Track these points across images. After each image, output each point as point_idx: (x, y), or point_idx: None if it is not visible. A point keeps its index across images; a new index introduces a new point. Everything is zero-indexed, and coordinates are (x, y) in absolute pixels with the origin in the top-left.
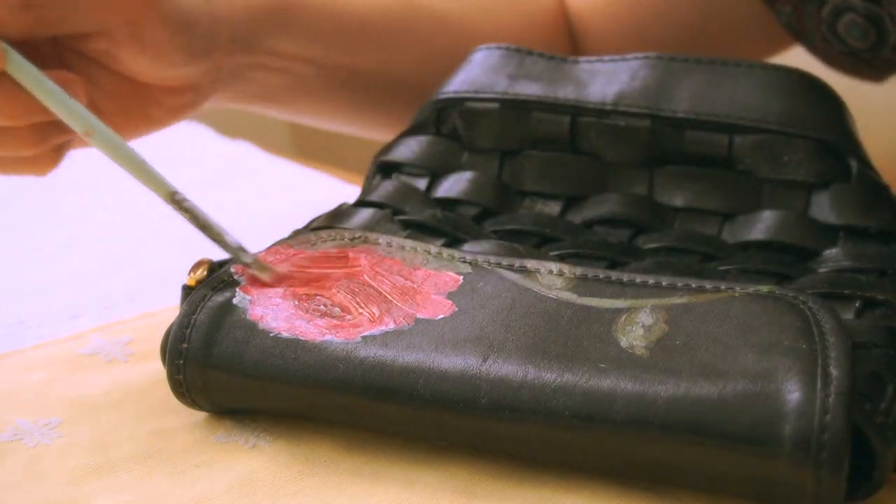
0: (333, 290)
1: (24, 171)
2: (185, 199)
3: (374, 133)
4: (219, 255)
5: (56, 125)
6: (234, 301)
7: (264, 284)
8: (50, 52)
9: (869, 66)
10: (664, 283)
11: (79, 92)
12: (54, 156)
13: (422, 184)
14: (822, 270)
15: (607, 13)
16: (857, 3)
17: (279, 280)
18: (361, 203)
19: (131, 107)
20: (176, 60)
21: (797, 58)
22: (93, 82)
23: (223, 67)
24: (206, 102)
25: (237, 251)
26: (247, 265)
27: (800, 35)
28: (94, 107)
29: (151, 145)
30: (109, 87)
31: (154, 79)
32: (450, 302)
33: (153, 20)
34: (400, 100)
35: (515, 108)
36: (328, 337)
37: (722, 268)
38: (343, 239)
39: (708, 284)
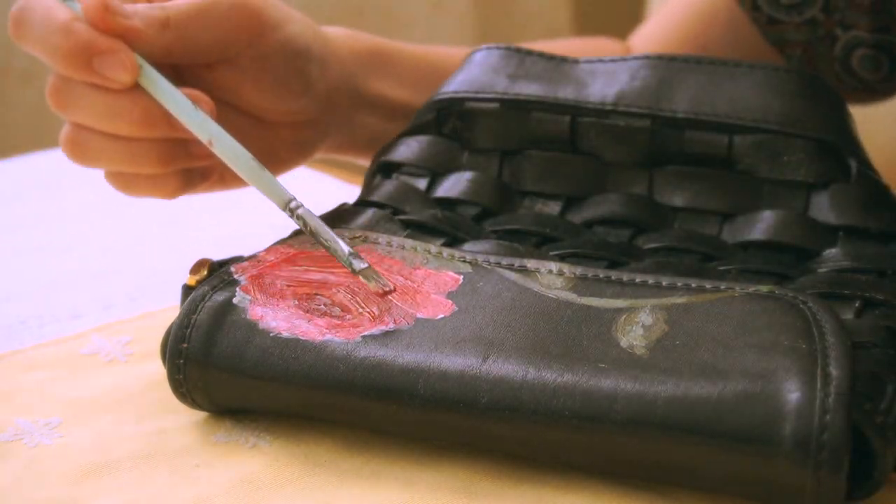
0: (333, 290)
1: (150, 191)
2: (300, 206)
3: None
4: (219, 254)
5: (183, 146)
6: (235, 301)
7: (378, 294)
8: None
9: (883, 95)
10: (664, 283)
11: (205, 107)
12: (181, 180)
13: (422, 184)
14: (821, 270)
15: None
16: (866, 36)
17: (387, 292)
18: (361, 203)
19: (261, 148)
20: (296, 88)
21: None
22: (222, 123)
23: (337, 105)
24: (324, 142)
25: (348, 259)
26: (358, 273)
27: None
28: None
29: None
30: (238, 128)
31: (276, 113)
32: (450, 302)
33: (272, 43)
34: None
35: (515, 108)
36: (328, 337)
37: (722, 268)
38: (343, 239)
39: (708, 284)
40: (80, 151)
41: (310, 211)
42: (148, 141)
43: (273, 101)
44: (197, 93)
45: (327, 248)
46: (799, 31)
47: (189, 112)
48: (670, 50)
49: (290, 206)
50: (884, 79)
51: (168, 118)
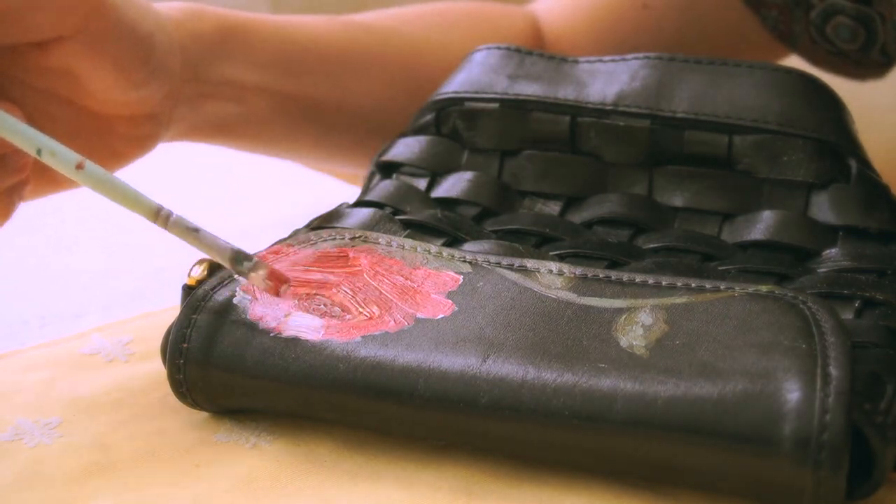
0: (333, 290)
1: None
2: (170, 214)
3: (339, 166)
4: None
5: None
6: (235, 301)
7: (272, 291)
8: (5, 85)
9: (857, 64)
10: (664, 283)
11: (16, 112)
12: (5, 204)
13: (422, 184)
14: (821, 270)
15: (588, 35)
16: (846, 4)
17: (280, 285)
18: (361, 203)
19: (95, 142)
20: (136, 77)
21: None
22: (53, 119)
23: (179, 95)
24: (165, 134)
25: (236, 256)
26: (247, 273)
27: (785, 37)
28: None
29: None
30: (71, 123)
31: (114, 104)
32: (450, 301)
33: (109, 25)
34: (361, 130)
35: (515, 108)
36: (328, 337)
37: (722, 268)
38: (343, 238)
39: (708, 284)
40: None
41: (181, 217)
42: None
43: (111, 89)
44: (5, 104)
45: (210, 252)
46: None
47: (8, 124)
48: (614, 27)
49: (161, 216)
50: (859, 49)
51: None
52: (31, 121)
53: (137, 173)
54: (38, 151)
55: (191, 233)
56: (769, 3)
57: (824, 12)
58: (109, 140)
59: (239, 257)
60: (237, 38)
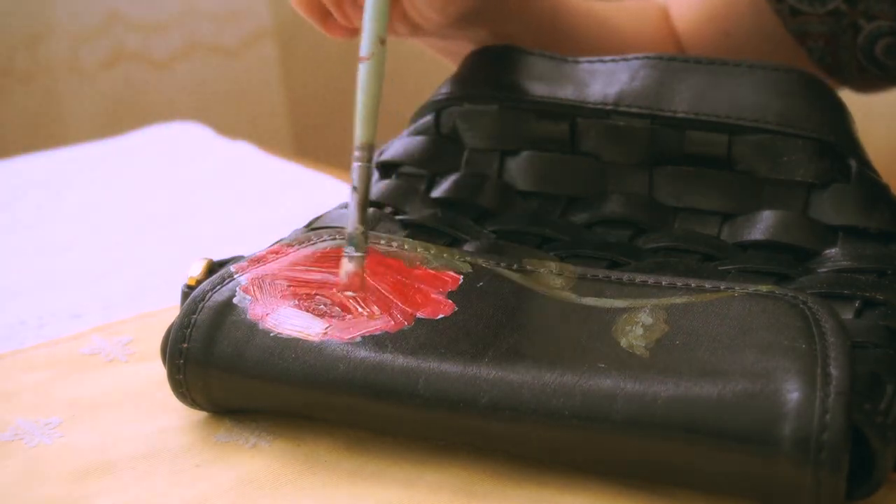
0: (333, 290)
1: (319, 20)
2: (369, 160)
3: None
4: (219, 254)
5: None
6: (235, 301)
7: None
8: None
9: None
10: (664, 283)
11: None
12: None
13: (422, 184)
14: (821, 270)
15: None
16: (891, 24)
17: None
18: None
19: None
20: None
21: None
22: None
23: (467, 26)
24: (437, 33)
25: (349, 238)
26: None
27: (832, 69)
28: None
29: (152, 145)
30: None
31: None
32: (450, 301)
33: None
34: None
35: (515, 108)
36: (328, 337)
37: (722, 268)
38: (344, 238)
39: (708, 284)
40: None
41: (370, 170)
42: None
43: None
44: None
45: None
46: (822, 22)
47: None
48: (693, 26)
49: (358, 151)
50: None
51: None
52: None
53: (137, 174)
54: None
55: (355, 188)
56: (815, 34)
57: (871, 34)
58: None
59: (352, 240)
60: (511, 3)
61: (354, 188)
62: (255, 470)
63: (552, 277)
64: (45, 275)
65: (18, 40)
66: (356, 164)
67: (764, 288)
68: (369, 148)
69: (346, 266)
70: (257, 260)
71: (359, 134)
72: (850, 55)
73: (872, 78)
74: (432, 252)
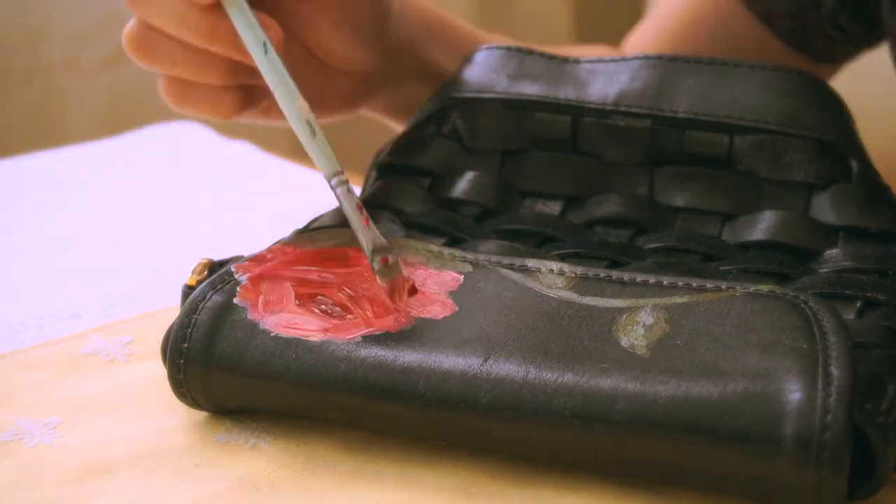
0: (334, 290)
1: (204, 106)
2: (344, 183)
3: None
4: (219, 254)
5: (249, 67)
6: (235, 301)
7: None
8: None
9: (868, 46)
10: (665, 283)
11: (273, 34)
12: (238, 99)
13: (422, 184)
14: (822, 271)
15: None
16: None
17: (411, 291)
18: (361, 203)
19: (310, 85)
20: (367, 37)
21: None
22: (285, 55)
23: (397, 66)
24: (367, 101)
25: (371, 255)
26: (377, 273)
27: (798, 44)
28: None
29: (152, 144)
30: (297, 64)
31: (340, 58)
32: (451, 301)
33: None
34: None
35: (516, 108)
36: (328, 337)
37: (722, 268)
38: (343, 238)
39: (709, 284)
40: (145, 50)
41: (351, 191)
42: (218, 56)
43: (342, 44)
44: (269, 20)
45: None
46: (787, 1)
47: (259, 52)
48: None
49: (334, 180)
50: (866, 29)
51: (237, 42)
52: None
53: (137, 173)
54: (264, 45)
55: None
56: (781, 14)
57: (834, 9)
58: (325, 90)
59: (378, 249)
60: (449, 31)
61: (348, 212)
62: (255, 470)
63: (553, 277)
64: (45, 275)
65: (18, 40)
66: (338, 191)
67: (765, 288)
68: (339, 173)
69: (380, 277)
70: (258, 260)
71: (325, 169)
72: (818, 28)
73: (839, 44)
74: (433, 252)
